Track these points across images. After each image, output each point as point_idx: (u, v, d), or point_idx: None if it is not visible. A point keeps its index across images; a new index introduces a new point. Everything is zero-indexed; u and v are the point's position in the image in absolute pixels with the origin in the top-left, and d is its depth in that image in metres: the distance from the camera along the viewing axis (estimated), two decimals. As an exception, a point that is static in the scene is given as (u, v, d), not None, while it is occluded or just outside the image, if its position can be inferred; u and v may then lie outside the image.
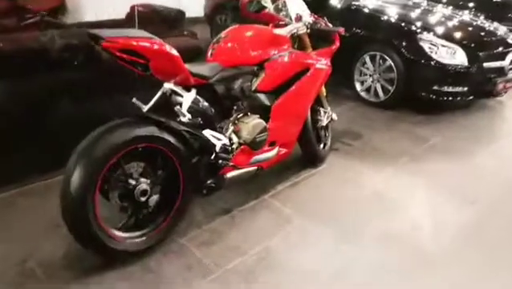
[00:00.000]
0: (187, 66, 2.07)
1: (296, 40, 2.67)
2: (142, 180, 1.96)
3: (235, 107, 2.31)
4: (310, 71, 2.57)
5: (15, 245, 2.11)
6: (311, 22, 2.63)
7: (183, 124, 2.00)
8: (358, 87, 4.35)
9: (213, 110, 2.18)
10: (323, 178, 2.92)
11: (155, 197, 2.05)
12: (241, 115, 2.32)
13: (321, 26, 2.63)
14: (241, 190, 2.65)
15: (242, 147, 2.29)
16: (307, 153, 2.96)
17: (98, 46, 1.73)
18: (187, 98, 2.05)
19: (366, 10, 4.38)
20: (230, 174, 2.30)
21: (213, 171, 2.21)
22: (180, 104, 2.03)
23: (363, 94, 4.33)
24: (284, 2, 2.66)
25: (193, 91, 2.09)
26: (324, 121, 2.96)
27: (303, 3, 2.73)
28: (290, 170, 2.95)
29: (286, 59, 2.43)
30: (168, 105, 2.13)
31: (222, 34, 2.36)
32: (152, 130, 1.94)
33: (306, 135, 2.82)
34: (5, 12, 4.09)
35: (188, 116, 2.01)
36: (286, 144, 2.65)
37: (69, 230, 1.81)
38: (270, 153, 2.52)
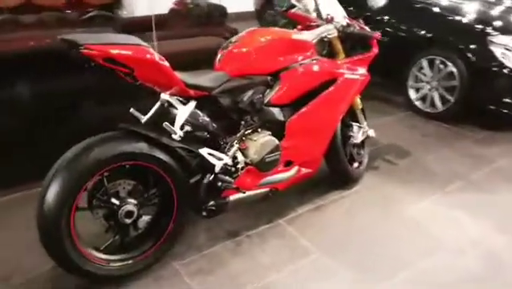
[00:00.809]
0: (187, 75, 1.86)
1: (326, 45, 2.33)
2: (129, 200, 1.79)
3: (243, 123, 2.05)
4: (337, 82, 2.22)
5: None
6: (344, 24, 2.27)
7: (176, 140, 1.79)
8: (412, 94, 3.85)
9: (214, 126, 1.94)
10: (353, 203, 2.56)
11: (145, 219, 1.87)
12: (249, 131, 2.05)
13: (354, 30, 2.26)
14: (252, 211, 2.38)
15: (248, 168, 2.02)
16: (336, 173, 2.62)
17: (77, 52, 1.56)
18: (182, 112, 1.83)
19: (424, 5, 3.83)
20: (234, 197, 2.05)
21: (214, 193, 1.97)
22: (174, 118, 1.81)
23: (417, 103, 3.83)
24: (315, 0, 2.33)
25: (191, 104, 1.86)
26: (358, 138, 2.59)
27: (337, 3, 2.37)
28: (316, 190, 2.63)
29: (306, 68, 2.12)
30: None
31: (233, 39, 2.10)
32: (140, 146, 1.75)
33: (334, 153, 2.48)
34: (65, 6, 4.21)
35: (180, 132, 1.79)
36: (309, 164, 2.34)
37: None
38: (285, 174, 2.23)
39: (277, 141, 2.07)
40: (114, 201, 1.76)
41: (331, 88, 2.20)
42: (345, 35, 2.28)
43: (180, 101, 1.86)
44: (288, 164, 2.22)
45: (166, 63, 1.70)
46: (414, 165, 3.01)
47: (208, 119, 1.91)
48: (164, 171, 1.83)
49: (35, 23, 3.38)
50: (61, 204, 1.61)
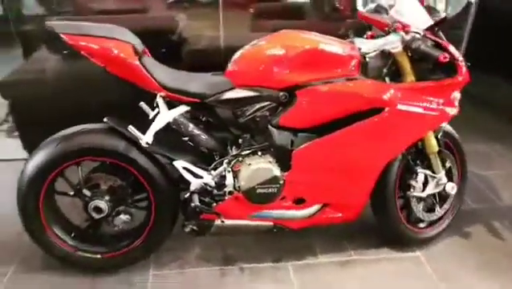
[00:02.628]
0: (180, 77, 1.67)
1: (389, 63, 1.75)
2: (102, 196, 1.74)
3: (240, 141, 1.73)
4: (383, 113, 1.65)
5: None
6: (412, 37, 1.64)
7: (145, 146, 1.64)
8: None
9: (205, 138, 1.70)
10: (394, 272, 1.93)
11: (123, 218, 1.80)
12: (246, 152, 1.72)
13: (421, 46, 1.61)
14: (265, 243, 2.05)
15: (236, 194, 1.71)
16: (384, 228, 2.02)
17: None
18: (161, 116, 1.65)
19: None
20: (221, 223, 1.78)
21: (191, 213, 1.76)
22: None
23: None
24: None
25: (178, 110, 1.67)
26: (424, 190, 1.92)
27: (419, 5, 1.74)
28: (357, 240, 2.09)
29: (332, 88, 1.63)
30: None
31: (255, 41, 1.75)
32: (116, 144, 1.67)
33: (381, 203, 1.92)
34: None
35: (148, 138, 1.62)
36: (339, 207, 1.86)
37: None
38: (296, 212, 1.82)
39: (276, 172, 1.68)
40: (85, 192, 1.74)
41: (370, 120, 1.65)
42: (412, 52, 1.66)
43: (172, 105, 1.69)
44: (298, 201, 1.80)
45: (137, 63, 1.54)
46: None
47: (196, 129, 1.68)
48: (142, 175, 1.72)
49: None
50: (30, 185, 1.67)
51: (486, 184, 2.62)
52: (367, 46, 1.71)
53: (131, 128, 1.62)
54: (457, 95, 1.77)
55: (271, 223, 1.83)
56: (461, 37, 2.73)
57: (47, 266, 1.88)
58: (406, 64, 1.72)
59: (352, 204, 1.87)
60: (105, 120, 1.69)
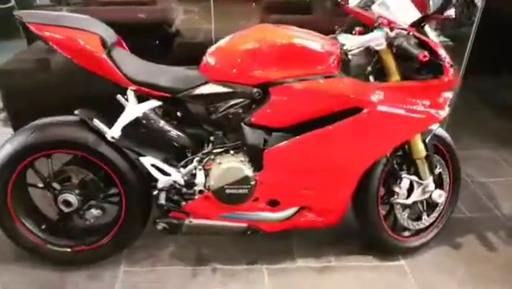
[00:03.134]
0: (151, 70, 1.61)
1: (373, 61, 1.65)
2: (72, 190, 1.70)
3: (212, 138, 1.66)
4: (362, 114, 1.56)
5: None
6: (396, 33, 1.53)
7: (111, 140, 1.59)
8: None
9: (176, 134, 1.64)
10: (372, 281, 1.84)
11: (95, 213, 1.77)
12: (218, 150, 1.66)
13: (403, 43, 1.50)
14: (238, 242, 1.99)
15: (206, 194, 1.65)
16: (365, 235, 1.93)
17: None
18: (128, 111, 1.60)
19: None
20: (191, 222, 1.72)
21: (161, 210, 1.71)
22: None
23: None
24: None
25: (148, 104, 1.61)
26: (409, 197, 1.82)
27: (407, 0, 1.62)
28: (337, 246, 2.01)
29: (308, 85, 1.54)
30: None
31: (232, 35, 1.67)
32: (85, 137, 1.63)
33: (362, 209, 1.83)
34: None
35: (114, 133, 1.57)
36: (317, 211, 1.78)
37: None
38: (271, 214, 1.75)
39: (247, 172, 1.61)
40: (55, 185, 1.71)
41: (348, 120, 1.56)
42: (395, 48, 1.55)
43: (142, 99, 1.63)
44: (272, 203, 1.72)
45: (103, 55, 1.49)
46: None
47: (166, 125, 1.63)
48: (112, 170, 1.67)
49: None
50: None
51: (486, 192, 2.48)
52: (351, 42, 1.60)
53: (96, 122, 1.57)
54: (446, 96, 1.66)
55: (245, 225, 1.76)
56: (466, 36, 2.60)
57: (19, 257, 1.86)
58: (391, 63, 1.61)
59: (331, 208, 1.78)
60: (76, 112, 1.65)
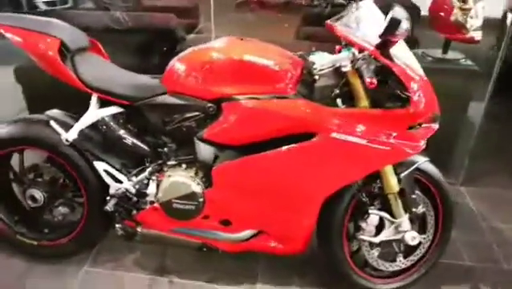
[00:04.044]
0: (113, 77, 1.63)
1: (341, 83, 1.51)
2: (39, 186, 1.77)
3: (166, 150, 1.63)
4: (315, 139, 1.44)
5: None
6: (363, 55, 1.39)
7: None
8: None
9: (131, 143, 1.64)
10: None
11: (62, 210, 1.83)
12: (172, 163, 1.63)
13: (361, 67, 1.34)
14: (203, 258, 1.93)
15: (155, 205, 1.63)
16: (330, 270, 1.78)
17: None
18: (89, 115, 1.62)
19: None
20: (144, 231, 1.71)
21: (115, 216, 1.72)
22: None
23: None
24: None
25: (108, 110, 1.62)
26: (377, 235, 1.64)
27: (378, 19, 1.46)
28: (306, 276, 1.88)
29: (256, 104, 1.44)
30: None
31: (196, 46, 1.62)
32: (51, 137, 1.68)
33: (326, 241, 1.69)
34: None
35: (70, 136, 1.60)
36: (276, 237, 1.67)
37: None
38: (226, 234, 1.67)
39: (195, 188, 1.56)
40: (24, 180, 1.79)
41: (299, 145, 1.44)
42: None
43: (105, 104, 1.65)
44: (225, 222, 1.65)
45: (54, 54, 1.52)
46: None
47: (124, 132, 1.63)
48: (74, 171, 1.71)
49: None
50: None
51: (499, 239, 2.17)
52: (321, 62, 1.48)
53: (53, 123, 1.61)
54: (423, 128, 1.48)
55: (199, 241, 1.71)
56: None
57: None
58: (358, 86, 1.46)
59: (291, 235, 1.67)
60: (46, 112, 1.72)
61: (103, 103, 1.65)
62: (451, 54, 2.43)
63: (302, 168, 1.48)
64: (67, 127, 1.64)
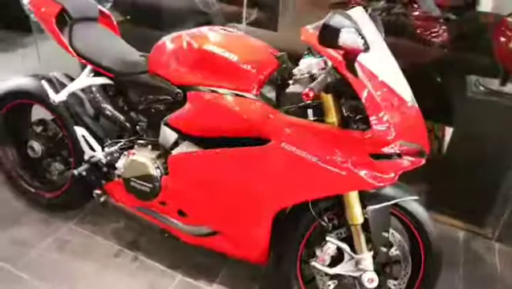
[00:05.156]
0: (114, 50, 1.68)
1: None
2: (40, 139, 1.92)
3: (138, 128, 1.64)
4: (267, 146, 1.32)
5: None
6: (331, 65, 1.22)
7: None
8: None
9: (111, 114, 1.68)
10: None
11: (57, 166, 1.97)
12: (141, 142, 1.63)
13: (319, 77, 1.16)
14: (176, 244, 1.90)
15: (120, 180, 1.66)
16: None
17: None
18: (79, 80, 1.69)
19: None
20: (113, 202, 1.76)
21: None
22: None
23: None
24: None
25: (96, 79, 1.68)
26: (333, 266, 1.46)
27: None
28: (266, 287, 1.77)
29: (215, 97, 1.37)
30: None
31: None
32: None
33: (277, 257, 1.57)
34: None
35: (58, 97, 1.67)
36: (231, 240, 1.60)
37: None
38: (181, 224, 1.65)
39: (152, 171, 1.56)
40: (30, 131, 1.94)
41: (249, 149, 1.34)
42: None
43: (97, 74, 1.71)
44: (180, 213, 1.62)
45: (53, 23, 1.61)
46: None
47: (106, 103, 1.68)
48: (66, 130, 1.82)
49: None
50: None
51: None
52: (301, 66, 1.35)
53: (43, 83, 1.71)
54: (396, 160, 1.27)
55: (161, 226, 1.71)
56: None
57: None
58: (327, 100, 1.29)
59: (244, 241, 1.58)
60: (51, 73, 1.84)
61: (97, 74, 1.71)
62: (510, 87, 2.04)
63: (251, 173, 1.39)
64: (61, 88, 1.73)
